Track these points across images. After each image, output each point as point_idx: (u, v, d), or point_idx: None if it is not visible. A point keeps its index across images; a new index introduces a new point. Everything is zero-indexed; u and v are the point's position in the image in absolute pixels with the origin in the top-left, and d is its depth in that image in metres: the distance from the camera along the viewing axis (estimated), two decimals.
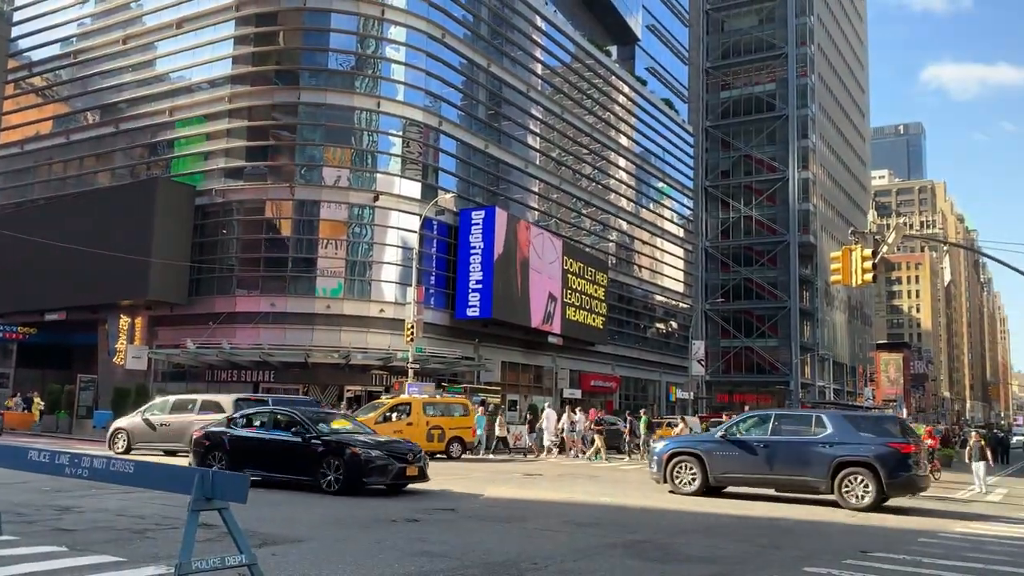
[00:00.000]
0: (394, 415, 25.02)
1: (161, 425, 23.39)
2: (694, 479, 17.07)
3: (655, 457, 18.08)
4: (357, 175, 44.90)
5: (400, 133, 45.81)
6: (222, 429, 16.70)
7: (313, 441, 15.16)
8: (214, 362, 41.44)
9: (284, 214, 44.44)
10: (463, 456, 25.93)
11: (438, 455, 25.00)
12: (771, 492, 17.23)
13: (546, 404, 41.76)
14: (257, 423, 16.41)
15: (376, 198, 44.23)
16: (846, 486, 15.75)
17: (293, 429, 15.60)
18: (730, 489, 17.71)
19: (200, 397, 24.59)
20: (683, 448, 17.65)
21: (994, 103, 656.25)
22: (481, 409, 31.61)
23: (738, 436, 17.08)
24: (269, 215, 44.82)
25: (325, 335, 42.28)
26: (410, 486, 15.84)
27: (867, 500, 15.54)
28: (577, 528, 11.85)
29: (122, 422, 24.86)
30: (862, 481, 15.62)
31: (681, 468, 17.30)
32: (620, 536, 11.07)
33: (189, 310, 43.71)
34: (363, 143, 45.70)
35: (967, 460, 22.67)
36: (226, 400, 23.39)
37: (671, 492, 17.24)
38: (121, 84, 50.43)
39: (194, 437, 17.14)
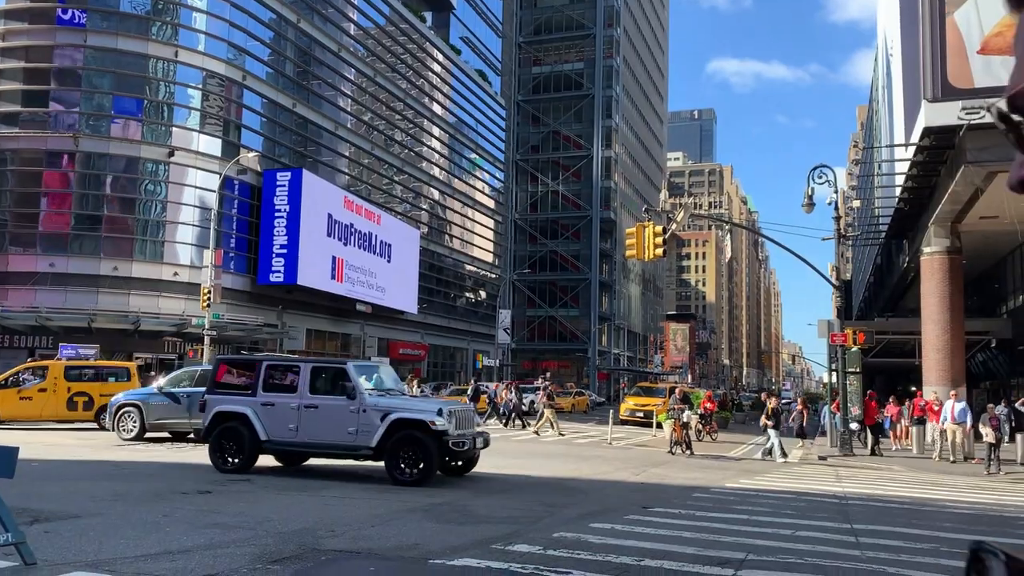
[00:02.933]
0: (26, 380, 22.27)
1: None
2: (135, 426, 19.34)
3: (111, 408, 19.89)
4: (151, 128, 42.00)
5: (200, 86, 43.25)
6: None
7: None
8: None
9: (66, 166, 40.86)
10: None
11: (87, 425, 22.33)
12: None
13: None
14: None
15: (171, 153, 41.64)
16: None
17: None
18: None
19: None
20: (128, 400, 19.79)
21: (769, 97, 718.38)
22: None
23: (169, 389, 19.66)
24: (49, 167, 41.00)
25: (112, 298, 39.52)
26: (188, 458, 15.23)
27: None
28: (376, 494, 11.90)
29: None
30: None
31: (125, 417, 19.47)
32: (417, 501, 11.24)
33: None
34: (158, 94, 42.75)
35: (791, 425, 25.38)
36: None
37: (120, 439, 19.02)
38: None
39: None
